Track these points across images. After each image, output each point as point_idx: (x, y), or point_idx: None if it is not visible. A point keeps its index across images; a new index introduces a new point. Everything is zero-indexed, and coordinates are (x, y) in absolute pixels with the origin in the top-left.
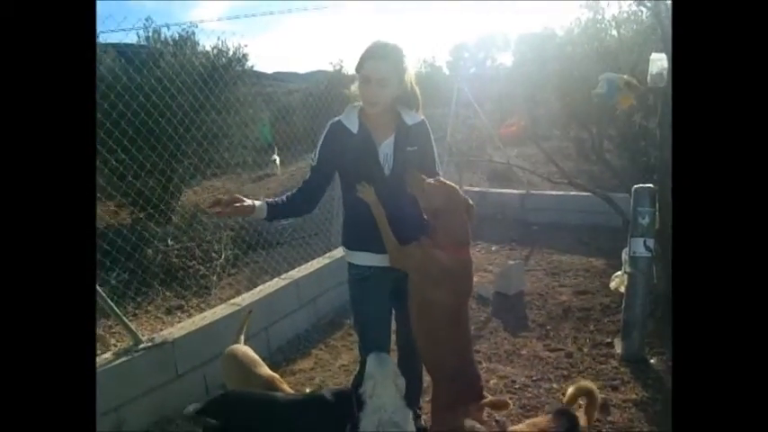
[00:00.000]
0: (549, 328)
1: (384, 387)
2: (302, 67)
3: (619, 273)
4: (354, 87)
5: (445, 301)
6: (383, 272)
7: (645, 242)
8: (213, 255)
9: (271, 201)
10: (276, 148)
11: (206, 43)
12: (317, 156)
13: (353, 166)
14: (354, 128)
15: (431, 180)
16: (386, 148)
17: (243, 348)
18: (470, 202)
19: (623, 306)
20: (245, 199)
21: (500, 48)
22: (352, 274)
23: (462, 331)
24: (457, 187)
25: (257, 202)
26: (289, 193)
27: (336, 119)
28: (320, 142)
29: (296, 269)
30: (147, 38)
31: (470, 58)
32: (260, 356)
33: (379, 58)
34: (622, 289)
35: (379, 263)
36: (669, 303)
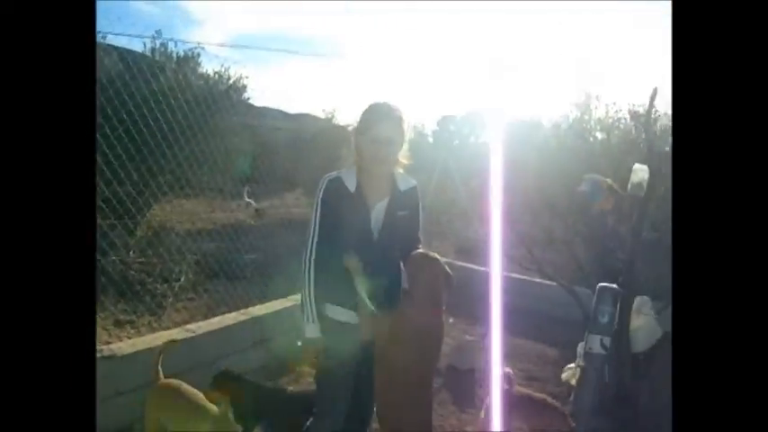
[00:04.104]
0: None
1: None
2: (291, 107)
3: (572, 365)
4: (348, 149)
5: (412, 362)
6: (355, 328)
7: (602, 340)
8: (173, 275)
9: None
10: (248, 189)
11: (208, 66)
12: (318, 220)
13: (345, 224)
14: (352, 187)
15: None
16: (378, 213)
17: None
18: (449, 271)
19: (571, 398)
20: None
21: (485, 127)
22: (323, 325)
23: (425, 396)
24: (437, 257)
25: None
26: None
27: (335, 174)
28: (319, 203)
29: (256, 306)
30: (153, 49)
31: (456, 132)
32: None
33: (390, 119)
34: (573, 381)
35: (354, 320)
36: (617, 403)
